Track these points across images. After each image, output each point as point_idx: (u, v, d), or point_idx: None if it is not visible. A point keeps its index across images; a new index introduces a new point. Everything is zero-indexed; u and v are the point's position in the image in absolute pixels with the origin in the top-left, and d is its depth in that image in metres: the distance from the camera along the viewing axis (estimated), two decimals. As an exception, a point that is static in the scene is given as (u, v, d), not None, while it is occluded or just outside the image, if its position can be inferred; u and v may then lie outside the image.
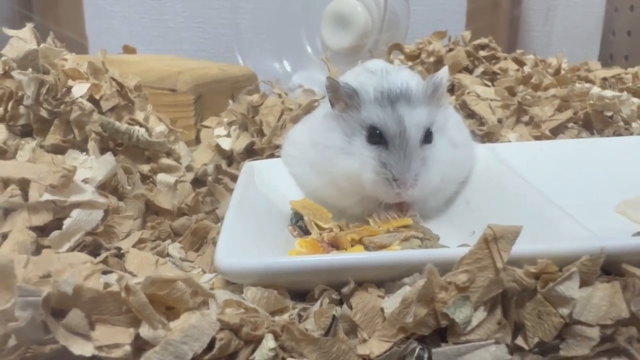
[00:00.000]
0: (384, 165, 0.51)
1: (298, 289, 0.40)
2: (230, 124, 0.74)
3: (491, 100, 0.83)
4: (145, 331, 0.33)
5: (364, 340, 0.36)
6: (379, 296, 0.38)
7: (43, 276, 0.35)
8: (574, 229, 0.41)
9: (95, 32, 1.42)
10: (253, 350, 0.34)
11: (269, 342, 0.34)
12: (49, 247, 0.45)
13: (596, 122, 0.77)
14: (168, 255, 0.50)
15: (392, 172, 0.51)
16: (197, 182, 0.66)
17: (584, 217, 0.44)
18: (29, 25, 0.61)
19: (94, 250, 0.48)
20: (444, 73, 0.55)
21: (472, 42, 1.03)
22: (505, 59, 1.02)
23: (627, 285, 0.35)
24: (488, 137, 0.74)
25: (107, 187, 0.53)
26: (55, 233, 0.45)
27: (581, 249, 0.36)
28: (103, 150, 0.58)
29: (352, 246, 0.47)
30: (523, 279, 0.35)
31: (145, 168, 0.60)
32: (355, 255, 0.41)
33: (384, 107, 0.52)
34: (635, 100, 0.79)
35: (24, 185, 0.48)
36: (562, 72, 1.02)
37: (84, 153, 0.54)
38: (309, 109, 0.70)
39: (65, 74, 0.60)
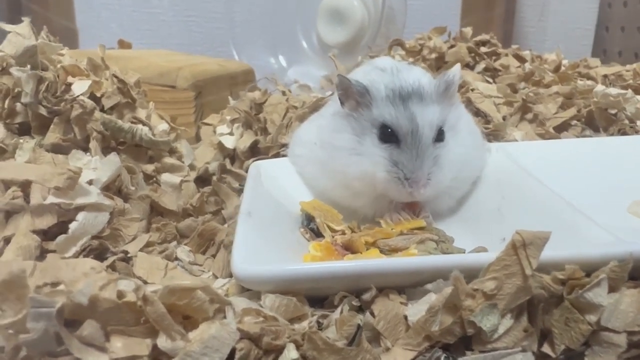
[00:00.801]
0: (396, 164, 0.50)
1: (313, 295, 0.39)
2: (232, 121, 0.72)
3: (494, 97, 0.82)
4: (163, 342, 0.32)
5: (387, 349, 0.35)
6: (402, 303, 0.37)
7: (52, 284, 0.33)
8: (599, 234, 0.40)
9: (85, 25, 1.39)
10: (274, 360, 0.33)
11: (291, 352, 0.33)
12: (53, 251, 0.44)
13: (600, 120, 0.76)
14: (176, 258, 0.48)
15: (404, 171, 0.50)
16: (200, 180, 0.65)
17: (598, 218, 0.44)
18: (27, 20, 0.59)
19: (100, 254, 0.46)
20: (456, 71, 0.54)
21: (473, 38, 1.02)
22: (507, 55, 1.01)
23: (654, 291, 0.35)
24: (494, 135, 0.73)
25: (111, 188, 0.52)
26: (61, 237, 0.44)
27: (608, 254, 0.35)
28: (104, 150, 0.57)
29: (367, 249, 0.46)
30: (550, 285, 0.34)
31: (149, 168, 0.58)
32: (379, 262, 0.39)
33: (396, 105, 0.51)
34: (639, 97, 0.79)
35: (25, 187, 0.46)
36: (562, 68, 1.01)
37: (87, 153, 0.53)
38: (315, 107, 0.68)
39: (64, 71, 0.59)
